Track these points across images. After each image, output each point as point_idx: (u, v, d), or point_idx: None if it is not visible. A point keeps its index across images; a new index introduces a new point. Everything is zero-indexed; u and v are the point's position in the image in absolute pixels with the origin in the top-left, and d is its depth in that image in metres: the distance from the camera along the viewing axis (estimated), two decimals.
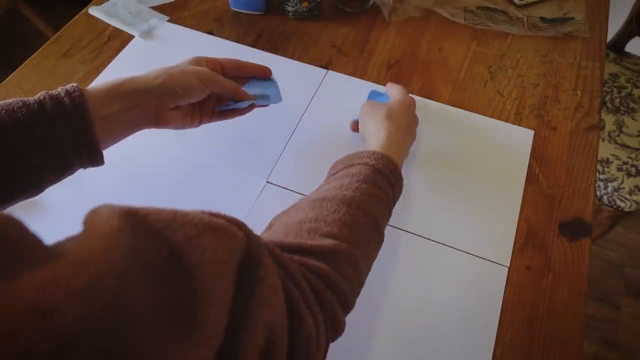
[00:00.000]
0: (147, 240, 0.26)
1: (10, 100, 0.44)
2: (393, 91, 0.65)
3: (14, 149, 0.42)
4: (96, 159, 0.48)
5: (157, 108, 0.52)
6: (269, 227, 0.47)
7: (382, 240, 0.49)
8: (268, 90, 0.62)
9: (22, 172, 0.43)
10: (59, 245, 0.23)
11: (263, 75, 0.62)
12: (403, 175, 0.54)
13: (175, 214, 0.28)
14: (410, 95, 0.65)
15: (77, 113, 0.45)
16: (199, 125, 0.59)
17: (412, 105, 0.63)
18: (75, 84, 0.47)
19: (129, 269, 0.23)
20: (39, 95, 0.45)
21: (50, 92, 0.46)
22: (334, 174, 0.52)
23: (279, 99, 0.63)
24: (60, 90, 0.46)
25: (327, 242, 0.40)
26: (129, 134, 0.52)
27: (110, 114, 0.48)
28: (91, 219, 0.25)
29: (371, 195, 0.48)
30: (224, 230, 0.29)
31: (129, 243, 0.23)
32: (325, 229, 0.42)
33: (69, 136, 0.45)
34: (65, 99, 0.45)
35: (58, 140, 0.44)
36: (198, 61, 0.56)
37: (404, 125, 0.60)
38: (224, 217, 0.31)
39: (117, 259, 0.22)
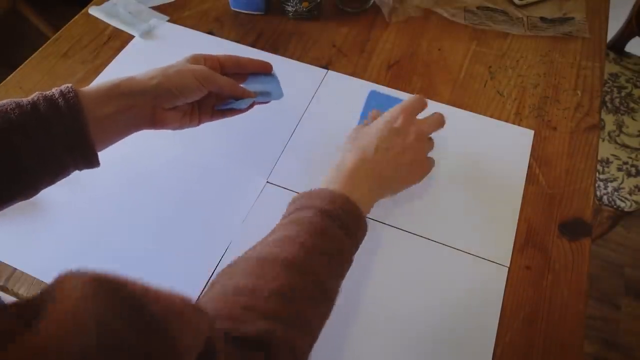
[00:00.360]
0: (122, 310, 0.24)
1: (3, 102, 0.44)
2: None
3: (8, 151, 0.42)
4: (91, 161, 0.47)
5: (154, 109, 0.51)
6: (212, 285, 0.43)
7: (334, 299, 0.44)
8: (269, 86, 0.61)
9: (16, 173, 0.43)
10: (27, 310, 0.21)
11: (263, 70, 0.61)
12: None
13: (149, 286, 0.26)
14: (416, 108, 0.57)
15: (71, 114, 0.44)
16: (198, 124, 0.58)
17: (400, 119, 0.54)
18: (69, 85, 0.46)
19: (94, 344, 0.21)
20: (32, 96, 0.45)
21: (44, 93, 0.45)
22: (287, 215, 0.48)
23: (280, 94, 0.61)
24: (54, 91, 0.46)
25: (262, 326, 0.37)
26: (126, 135, 0.51)
27: (105, 115, 0.47)
28: (60, 286, 0.23)
29: (318, 253, 0.43)
30: (199, 307, 0.29)
31: (98, 313, 0.22)
32: (261, 307, 0.38)
33: (62, 137, 0.44)
34: (60, 100, 0.45)
35: (52, 141, 0.44)
36: (196, 59, 0.55)
37: (375, 149, 0.52)
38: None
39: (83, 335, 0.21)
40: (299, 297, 0.40)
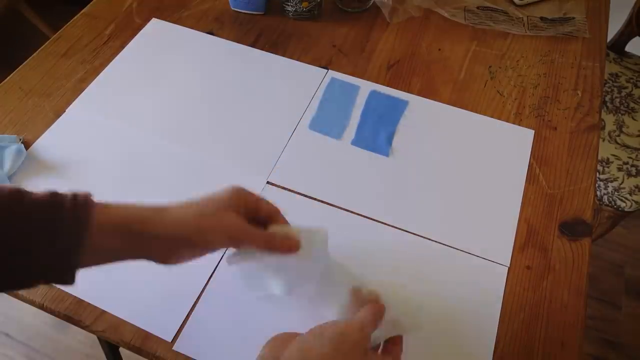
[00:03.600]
0: None
1: (13, 193, 0.39)
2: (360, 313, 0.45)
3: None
4: (65, 283, 0.41)
5: (168, 253, 0.44)
6: None
7: None
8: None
9: None
10: None
11: (287, 251, 0.47)
12: (401, 179, 0.48)
13: None
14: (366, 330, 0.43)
15: (71, 238, 0.39)
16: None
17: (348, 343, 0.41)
18: (87, 203, 0.40)
19: None
20: (44, 196, 0.39)
21: (57, 201, 0.39)
22: None
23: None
24: (68, 208, 0.39)
25: None
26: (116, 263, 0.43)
27: (106, 249, 0.41)
28: None
29: None
30: None
31: None
32: None
33: (51, 257, 0.38)
34: (69, 225, 0.39)
35: (37, 255, 0.38)
36: (237, 196, 0.46)
37: None
38: None
39: None
40: None
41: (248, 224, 0.45)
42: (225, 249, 0.49)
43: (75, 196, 0.40)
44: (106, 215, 0.41)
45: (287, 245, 0.46)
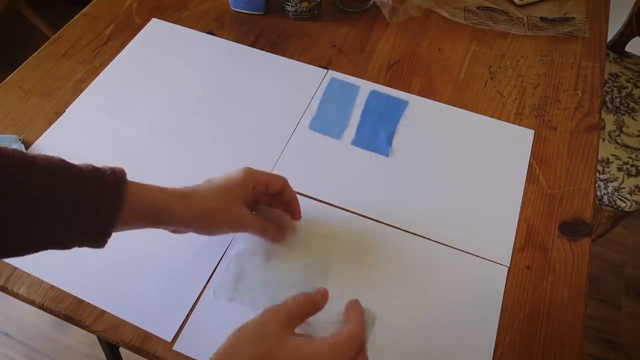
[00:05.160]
0: None
1: (55, 161, 0.43)
2: (350, 319, 0.45)
3: (28, 210, 0.41)
4: (98, 246, 0.46)
5: (181, 231, 0.52)
6: None
7: None
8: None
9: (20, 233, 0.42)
10: None
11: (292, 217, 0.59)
12: (401, 179, 0.51)
13: None
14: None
15: (107, 211, 0.44)
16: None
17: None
18: (123, 179, 0.46)
19: None
20: (86, 169, 0.45)
21: (97, 176, 0.44)
22: None
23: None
24: (109, 177, 0.45)
25: None
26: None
27: (134, 222, 0.48)
28: None
29: None
30: None
31: None
32: None
33: (85, 225, 0.44)
34: (106, 194, 0.44)
35: (74, 223, 0.43)
36: (248, 176, 0.54)
37: None
38: None
39: None
40: None
41: (250, 212, 0.54)
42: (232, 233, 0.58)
43: (113, 170, 0.46)
44: (136, 197, 0.46)
45: (277, 234, 0.57)
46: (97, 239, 0.45)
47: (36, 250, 0.44)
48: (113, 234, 0.46)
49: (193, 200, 0.50)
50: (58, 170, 0.43)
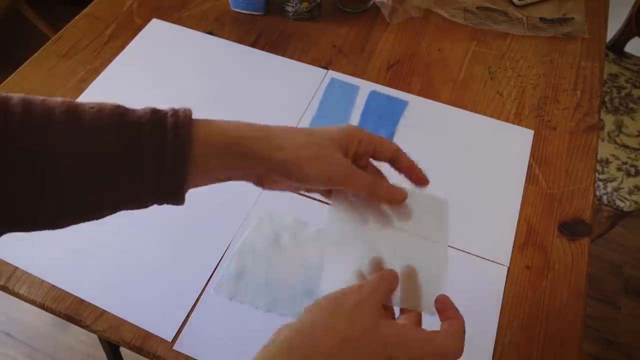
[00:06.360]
0: None
1: (109, 107, 0.40)
2: (451, 334, 0.42)
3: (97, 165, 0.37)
4: (176, 202, 0.40)
5: (267, 175, 0.43)
6: None
7: None
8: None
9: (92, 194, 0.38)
10: None
11: (418, 183, 0.48)
12: (401, 177, 0.48)
13: None
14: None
15: (177, 159, 0.38)
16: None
17: None
18: (185, 121, 0.40)
19: None
20: (144, 114, 0.40)
21: (155, 119, 0.40)
22: None
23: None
24: (169, 120, 0.40)
25: None
26: (217, 183, 0.44)
27: (211, 166, 0.40)
28: None
29: None
30: None
31: None
32: None
33: (155, 179, 0.38)
34: (170, 140, 0.39)
35: (144, 178, 0.38)
36: (350, 136, 0.43)
37: None
38: None
39: None
40: None
41: (354, 165, 0.42)
42: (322, 189, 0.47)
43: (175, 111, 0.40)
44: (208, 130, 0.40)
45: (392, 194, 0.45)
46: (171, 194, 0.39)
47: (114, 210, 0.40)
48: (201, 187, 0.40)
49: (277, 134, 0.42)
50: (110, 118, 0.38)
